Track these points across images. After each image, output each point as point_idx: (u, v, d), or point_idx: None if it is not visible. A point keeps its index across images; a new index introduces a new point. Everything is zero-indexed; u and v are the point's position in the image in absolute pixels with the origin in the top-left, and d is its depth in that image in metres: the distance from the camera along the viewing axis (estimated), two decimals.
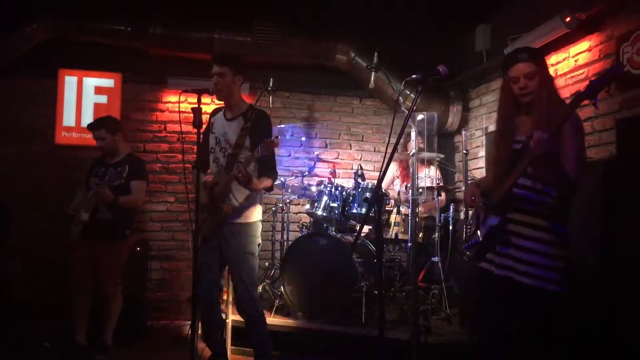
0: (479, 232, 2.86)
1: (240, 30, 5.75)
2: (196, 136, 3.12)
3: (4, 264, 5.16)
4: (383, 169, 2.62)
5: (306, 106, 6.37)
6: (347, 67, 6.01)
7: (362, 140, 6.48)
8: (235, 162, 3.36)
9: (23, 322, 4.94)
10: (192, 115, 3.14)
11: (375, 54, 4.75)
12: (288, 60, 5.97)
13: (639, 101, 3.62)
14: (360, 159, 6.40)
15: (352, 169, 6.33)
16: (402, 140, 5.45)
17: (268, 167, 3.47)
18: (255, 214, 3.57)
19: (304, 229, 5.09)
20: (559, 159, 2.56)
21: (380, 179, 2.61)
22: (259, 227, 3.61)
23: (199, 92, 3.71)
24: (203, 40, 5.68)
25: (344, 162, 6.39)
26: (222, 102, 3.70)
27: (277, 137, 3.30)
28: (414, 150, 4.06)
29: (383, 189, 5.23)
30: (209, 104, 6.02)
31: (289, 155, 6.22)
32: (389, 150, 2.64)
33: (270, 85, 5.46)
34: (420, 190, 5.00)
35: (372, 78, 4.65)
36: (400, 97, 4.34)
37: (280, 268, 4.80)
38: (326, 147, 6.37)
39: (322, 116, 6.41)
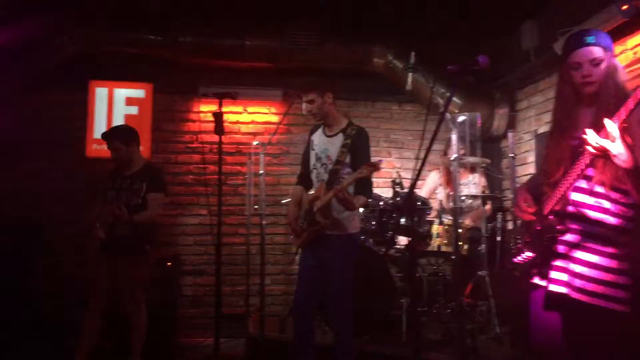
0: (529, 243, 2.52)
1: (272, 35, 5.56)
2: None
3: (37, 280, 5.06)
4: (417, 173, 2.33)
5: (343, 113, 6.08)
6: (385, 71, 5.74)
7: (402, 148, 6.17)
8: (337, 178, 3.43)
9: (55, 339, 4.81)
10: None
11: (412, 54, 4.46)
12: (322, 66, 5.73)
13: None
14: (401, 167, 6.09)
15: (391, 177, 6.02)
16: (443, 146, 5.15)
17: (365, 186, 3.49)
18: (354, 225, 3.53)
19: None
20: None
21: (413, 184, 2.32)
22: (358, 239, 3.64)
23: (220, 97, 3.57)
24: (234, 47, 5.50)
25: (383, 170, 6.04)
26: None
27: (380, 160, 3.45)
28: (455, 155, 3.73)
29: (424, 197, 4.89)
30: (241, 113, 5.90)
31: None
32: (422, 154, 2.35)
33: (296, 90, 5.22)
34: (464, 198, 4.67)
35: (409, 79, 4.36)
36: (438, 97, 4.04)
37: None
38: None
39: (359, 123, 6.10)
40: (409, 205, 2.72)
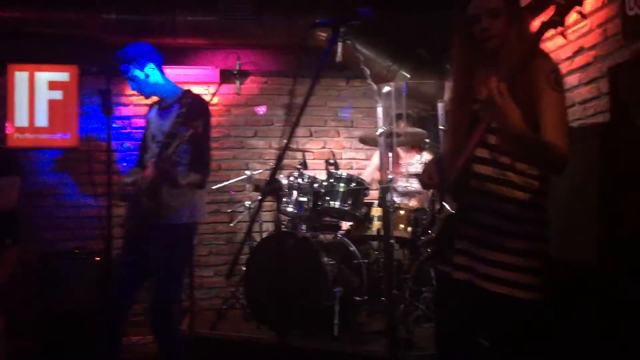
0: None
1: (204, 9, 5.17)
2: None
3: None
4: (282, 150, 1.99)
5: (286, 91, 5.73)
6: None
7: (352, 127, 5.80)
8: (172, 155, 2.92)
9: None
10: None
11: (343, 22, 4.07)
12: (261, 41, 5.37)
13: None
14: (351, 147, 5.74)
15: (341, 158, 5.68)
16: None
17: (197, 161, 3.07)
18: (189, 214, 3.09)
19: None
20: (532, 122, 1.89)
21: (278, 162, 1.99)
22: (193, 230, 3.17)
23: (108, 74, 3.23)
24: (164, 23, 5.11)
25: (323, 151, 5.72)
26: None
27: (201, 122, 2.88)
28: (380, 130, 3.38)
29: (366, 179, 4.54)
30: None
31: (270, 147, 5.61)
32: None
33: (237, 68, 4.86)
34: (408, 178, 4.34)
35: (339, 50, 3.99)
36: (365, 68, 3.69)
37: (243, 276, 4.19)
38: (311, 135, 5.72)
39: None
40: (272, 188, 2.34)
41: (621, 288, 2.26)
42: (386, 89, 3.60)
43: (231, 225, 5.12)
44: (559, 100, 1.95)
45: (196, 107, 3.07)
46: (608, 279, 2.23)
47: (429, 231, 3.44)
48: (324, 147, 5.69)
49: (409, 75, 5.10)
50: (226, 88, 5.36)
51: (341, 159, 5.66)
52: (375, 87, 3.43)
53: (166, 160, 2.87)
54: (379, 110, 3.38)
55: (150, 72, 3.15)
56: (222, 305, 4.52)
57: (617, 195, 2.18)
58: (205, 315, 4.58)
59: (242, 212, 4.92)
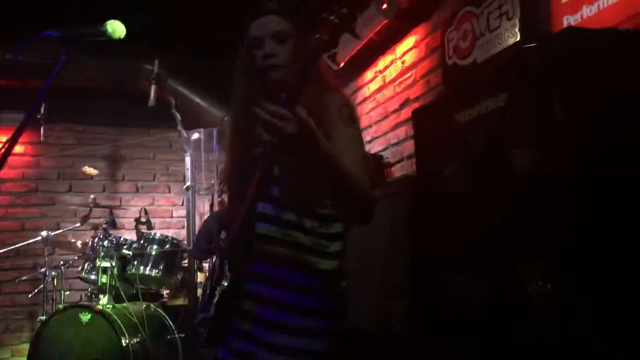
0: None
1: (8, 47, 4.48)
2: None
3: None
4: None
5: (110, 141, 5.11)
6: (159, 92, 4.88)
7: (185, 181, 5.28)
8: None
9: None
10: None
11: (156, 61, 3.64)
12: (82, 84, 4.75)
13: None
14: (182, 204, 5.20)
15: (171, 216, 5.13)
16: None
17: None
18: None
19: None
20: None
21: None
22: None
23: None
24: None
25: (161, 209, 5.15)
26: None
27: None
28: (188, 183, 2.93)
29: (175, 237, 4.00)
30: None
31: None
32: None
33: (42, 112, 4.19)
34: None
35: (152, 92, 3.52)
36: (176, 113, 3.27)
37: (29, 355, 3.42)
38: (137, 191, 5.11)
39: (131, 153, 5.17)
40: None
41: None
42: (195, 135, 3.16)
43: (29, 296, 4.29)
44: (355, 136, 1.61)
45: None
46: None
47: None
48: (152, 204, 5.09)
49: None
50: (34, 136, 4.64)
51: (171, 217, 5.11)
52: (184, 134, 2.98)
53: None
54: (187, 161, 2.93)
55: None
56: None
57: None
58: None
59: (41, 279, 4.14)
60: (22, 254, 4.49)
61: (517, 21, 2.35)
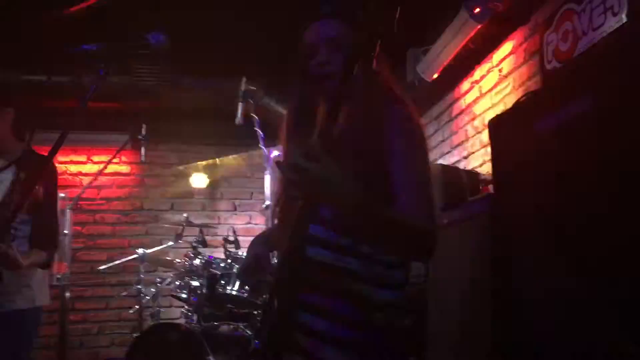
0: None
1: (117, 69, 4.72)
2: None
3: None
4: None
5: (209, 159, 5.21)
6: (257, 110, 4.91)
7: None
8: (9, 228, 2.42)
9: None
10: None
11: (244, 79, 3.63)
12: (180, 105, 4.92)
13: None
14: None
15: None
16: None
17: (44, 234, 2.52)
18: (32, 298, 2.51)
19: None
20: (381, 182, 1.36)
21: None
22: (37, 316, 2.58)
23: None
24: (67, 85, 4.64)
25: (257, 227, 5.14)
26: None
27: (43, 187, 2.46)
28: (267, 202, 2.84)
29: None
30: (85, 163, 4.93)
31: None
32: None
33: (142, 133, 4.34)
34: None
35: (239, 110, 3.49)
36: (259, 131, 3.20)
37: None
38: (235, 209, 5.16)
39: (229, 172, 5.24)
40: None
41: None
42: (274, 152, 3.08)
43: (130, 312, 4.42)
44: (413, 157, 1.42)
45: (37, 169, 2.51)
46: None
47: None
48: (249, 223, 5.12)
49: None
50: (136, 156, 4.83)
51: None
52: (265, 151, 2.91)
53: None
54: (266, 179, 2.85)
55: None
56: None
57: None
58: None
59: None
60: (127, 270, 4.66)
61: (623, 16, 2.03)
